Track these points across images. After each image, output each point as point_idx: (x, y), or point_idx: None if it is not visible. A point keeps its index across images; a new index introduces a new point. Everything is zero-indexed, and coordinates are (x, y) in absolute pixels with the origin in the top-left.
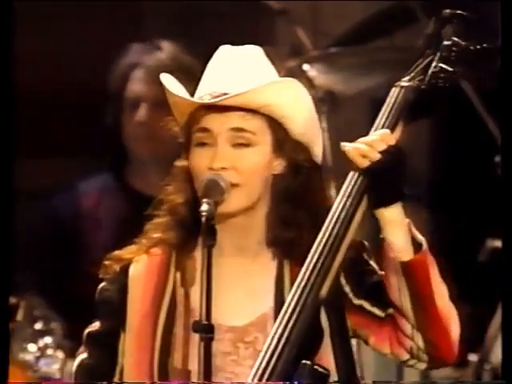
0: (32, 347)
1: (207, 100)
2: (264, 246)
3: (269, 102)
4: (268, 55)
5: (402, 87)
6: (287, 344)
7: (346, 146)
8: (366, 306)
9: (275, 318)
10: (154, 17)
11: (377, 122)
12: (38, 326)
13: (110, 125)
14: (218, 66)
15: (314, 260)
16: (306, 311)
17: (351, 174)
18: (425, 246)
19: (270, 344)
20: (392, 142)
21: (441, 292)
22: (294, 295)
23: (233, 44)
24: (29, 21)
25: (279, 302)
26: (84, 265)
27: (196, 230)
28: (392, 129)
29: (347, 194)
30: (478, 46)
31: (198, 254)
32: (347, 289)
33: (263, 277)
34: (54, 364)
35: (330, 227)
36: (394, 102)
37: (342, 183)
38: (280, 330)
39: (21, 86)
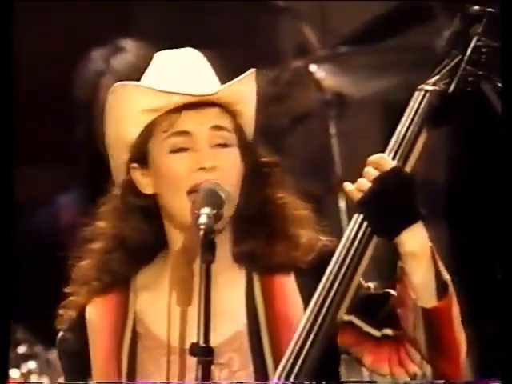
0: (15, 373)
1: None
2: (231, 261)
3: (244, 95)
4: (207, 58)
5: (426, 91)
6: (303, 368)
7: (348, 186)
8: (358, 322)
9: (250, 335)
10: (155, 14)
11: (398, 128)
12: (21, 349)
13: (83, 138)
14: (164, 69)
15: (330, 281)
16: (323, 335)
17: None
18: (451, 289)
19: (284, 367)
20: (386, 167)
21: (458, 324)
22: (308, 318)
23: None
24: (28, 26)
25: (252, 317)
26: (68, 283)
27: (146, 259)
28: (415, 136)
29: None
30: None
31: (155, 281)
32: None
33: (232, 291)
34: None
35: (347, 246)
36: (418, 107)
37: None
38: (294, 355)
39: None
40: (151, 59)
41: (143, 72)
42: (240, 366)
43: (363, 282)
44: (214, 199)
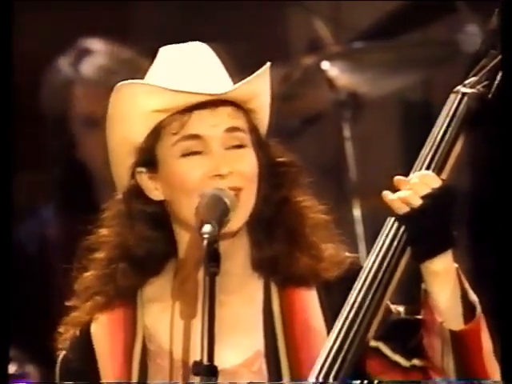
0: None
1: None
2: (249, 269)
3: (259, 91)
4: (215, 52)
5: (463, 94)
6: None
7: (389, 195)
8: (385, 350)
9: (267, 356)
10: (164, 5)
11: (433, 134)
12: (11, 369)
13: (61, 150)
14: (171, 66)
15: (360, 299)
16: (351, 357)
17: None
18: (479, 309)
19: None
20: (436, 184)
21: (489, 351)
22: (336, 338)
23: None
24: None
25: (270, 336)
26: (58, 299)
27: (154, 269)
28: (452, 143)
29: (394, 229)
30: None
31: (163, 291)
32: None
33: (249, 305)
34: None
35: (379, 261)
36: (455, 111)
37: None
38: (322, 376)
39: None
40: (121, 58)
41: (115, 74)
42: None
43: (391, 305)
44: (218, 206)
